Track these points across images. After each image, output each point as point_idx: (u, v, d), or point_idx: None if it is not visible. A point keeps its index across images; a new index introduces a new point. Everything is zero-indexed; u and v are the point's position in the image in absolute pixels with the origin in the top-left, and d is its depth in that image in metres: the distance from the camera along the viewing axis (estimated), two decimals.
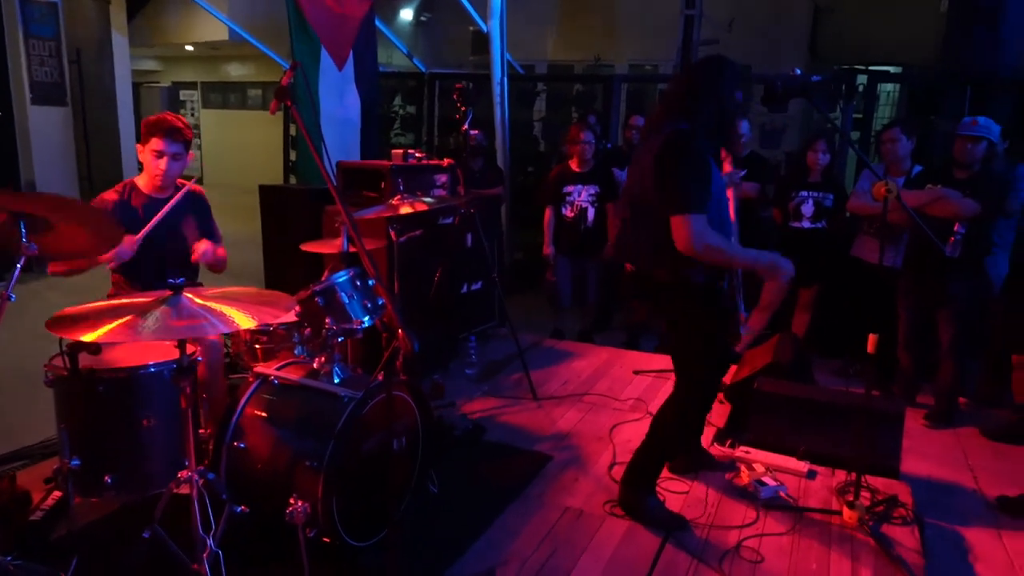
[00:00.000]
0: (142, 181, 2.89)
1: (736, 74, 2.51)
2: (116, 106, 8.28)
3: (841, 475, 3.08)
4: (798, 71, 2.91)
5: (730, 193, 2.86)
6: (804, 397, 3.33)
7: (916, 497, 2.92)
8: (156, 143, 2.78)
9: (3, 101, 6.47)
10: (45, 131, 6.69)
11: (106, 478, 2.14)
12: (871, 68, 7.65)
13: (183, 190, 2.94)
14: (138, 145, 2.84)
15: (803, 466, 3.12)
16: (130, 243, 2.67)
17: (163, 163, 2.80)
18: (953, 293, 3.77)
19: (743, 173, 2.97)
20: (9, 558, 1.96)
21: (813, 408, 3.27)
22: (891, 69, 8.78)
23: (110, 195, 2.83)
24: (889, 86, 7.01)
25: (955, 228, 3.64)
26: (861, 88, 6.30)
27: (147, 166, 2.84)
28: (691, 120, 2.45)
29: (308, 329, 2.63)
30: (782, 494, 2.92)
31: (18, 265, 1.97)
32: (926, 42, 7.58)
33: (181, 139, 2.82)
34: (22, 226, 1.96)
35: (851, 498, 2.75)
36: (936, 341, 3.91)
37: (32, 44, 6.49)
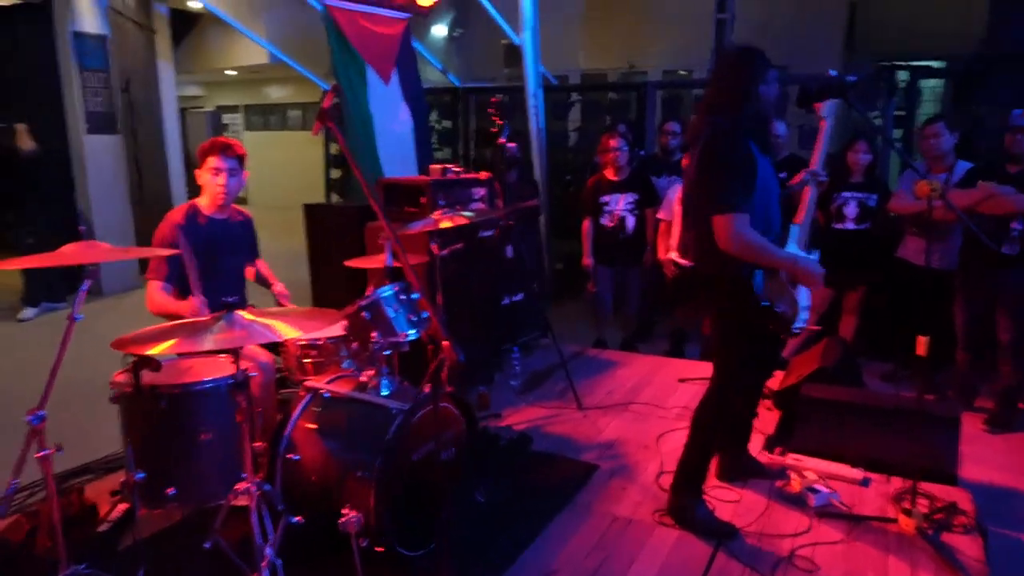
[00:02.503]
0: (204, 202, 3.02)
1: (764, 61, 2.52)
2: (164, 132, 8.58)
3: (897, 482, 3.01)
4: (833, 72, 2.86)
5: (807, 194, 2.80)
6: (854, 402, 3.27)
7: (978, 504, 2.83)
8: (213, 161, 2.91)
9: (60, 132, 6.76)
10: (99, 158, 6.96)
11: (168, 490, 2.22)
12: (912, 64, 7.49)
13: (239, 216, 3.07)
14: (196, 171, 2.97)
15: (856, 473, 3.06)
16: (200, 306, 2.73)
17: (221, 179, 2.93)
18: (1012, 291, 3.66)
19: (823, 177, 2.86)
20: (83, 566, 2.05)
21: (864, 413, 3.21)
22: (934, 64, 8.58)
23: (177, 217, 2.96)
24: (932, 82, 6.84)
25: (1012, 225, 3.54)
26: (903, 85, 6.17)
27: (207, 186, 2.97)
28: (730, 116, 2.47)
29: (355, 343, 2.69)
30: (835, 501, 2.87)
31: (82, 288, 2.06)
32: (970, 32, 7.38)
33: (234, 154, 2.95)
34: None
35: (908, 505, 2.69)
36: (994, 341, 3.80)
37: (86, 77, 6.77)
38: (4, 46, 7.05)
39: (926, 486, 2.86)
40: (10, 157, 5.96)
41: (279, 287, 3.27)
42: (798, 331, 2.61)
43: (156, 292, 2.90)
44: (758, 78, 2.48)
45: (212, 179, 2.94)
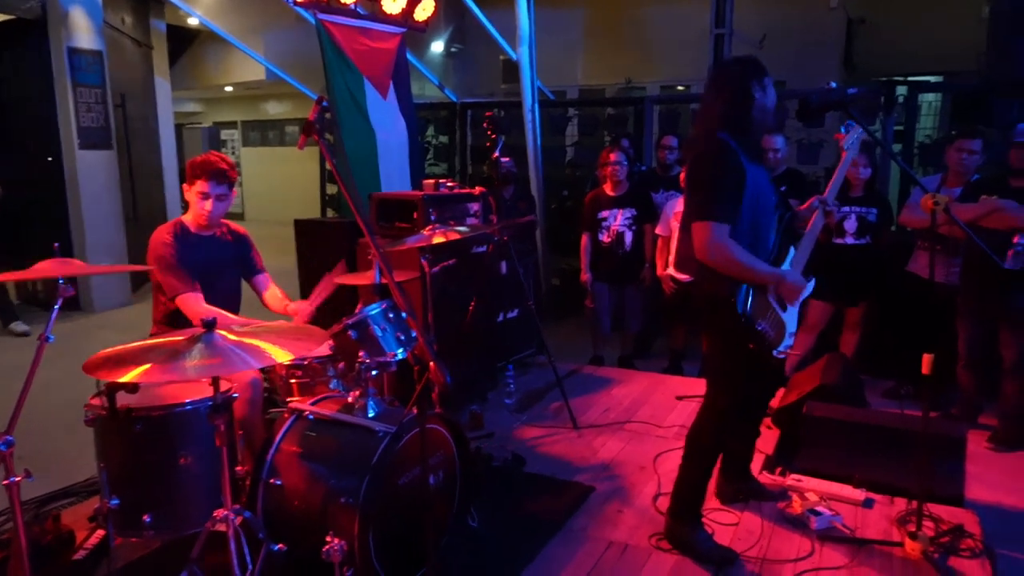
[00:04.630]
0: (189, 218, 2.94)
1: (758, 67, 2.47)
2: (159, 147, 8.55)
3: (901, 503, 2.92)
4: (833, 84, 2.82)
5: (812, 220, 2.72)
6: (858, 421, 3.19)
7: (985, 527, 2.74)
8: (201, 185, 2.83)
9: (53, 146, 6.72)
10: (91, 173, 6.90)
11: (145, 517, 2.14)
12: (911, 79, 7.46)
13: (229, 232, 2.99)
14: (184, 185, 2.89)
15: (859, 494, 2.97)
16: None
17: (208, 204, 2.85)
18: (1016, 307, 3.59)
19: (831, 207, 2.70)
20: None
21: (868, 433, 3.13)
22: (931, 79, 8.56)
23: (166, 235, 2.88)
24: (930, 96, 6.82)
25: (1015, 240, 3.48)
26: (901, 99, 6.14)
27: (193, 206, 2.89)
28: (726, 127, 2.43)
29: (342, 363, 2.61)
30: (837, 524, 2.78)
31: (55, 307, 1.99)
32: (966, 50, 7.38)
33: (225, 181, 2.86)
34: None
35: (913, 528, 2.60)
36: (998, 358, 3.72)
37: (79, 92, 6.74)
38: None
39: (931, 507, 2.77)
40: None
41: (292, 307, 3.06)
42: (781, 355, 2.55)
43: (199, 305, 2.77)
44: (754, 84, 2.43)
45: (199, 202, 2.86)
